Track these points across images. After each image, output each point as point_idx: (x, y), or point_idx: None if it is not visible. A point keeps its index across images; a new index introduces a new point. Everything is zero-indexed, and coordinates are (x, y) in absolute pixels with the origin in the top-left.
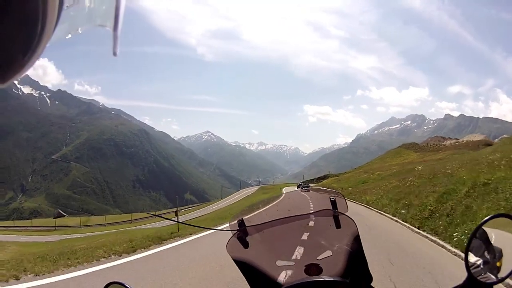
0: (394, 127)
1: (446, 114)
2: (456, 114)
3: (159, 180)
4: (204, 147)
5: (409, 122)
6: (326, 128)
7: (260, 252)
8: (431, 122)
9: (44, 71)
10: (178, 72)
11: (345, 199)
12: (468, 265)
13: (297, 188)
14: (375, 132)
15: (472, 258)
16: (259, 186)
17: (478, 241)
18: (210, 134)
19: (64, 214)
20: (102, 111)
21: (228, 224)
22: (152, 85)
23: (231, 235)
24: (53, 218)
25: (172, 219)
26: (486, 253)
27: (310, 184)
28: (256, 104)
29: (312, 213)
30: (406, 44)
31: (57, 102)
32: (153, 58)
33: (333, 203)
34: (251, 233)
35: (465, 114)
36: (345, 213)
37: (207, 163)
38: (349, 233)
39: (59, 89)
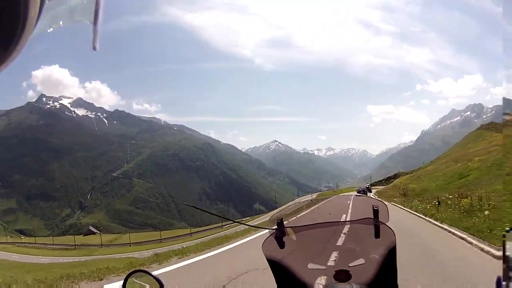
0: (455, 119)
1: (503, 99)
2: None
3: (227, 192)
4: (272, 156)
5: (468, 112)
6: (391, 127)
7: (294, 254)
8: (489, 110)
9: (99, 94)
10: (238, 85)
11: (387, 208)
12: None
13: (357, 193)
14: (438, 126)
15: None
16: (318, 193)
17: None
18: (277, 143)
19: (96, 231)
20: (164, 128)
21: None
22: (214, 99)
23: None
24: (83, 235)
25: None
26: None
27: (378, 187)
28: (320, 109)
29: (353, 220)
30: (453, 31)
31: (115, 122)
32: (211, 73)
33: (375, 212)
34: (288, 233)
35: None
36: (386, 223)
37: (276, 172)
38: (387, 244)
39: (116, 109)
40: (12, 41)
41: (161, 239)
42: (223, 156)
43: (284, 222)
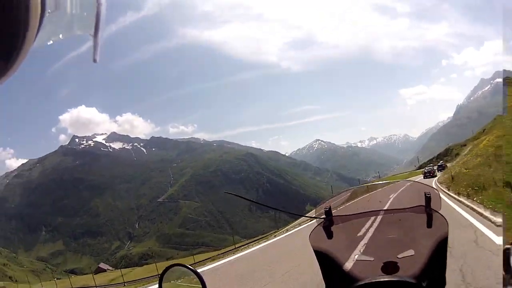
0: (486, 88)
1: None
2: None
3: (275, 198)
4: (316, 155)
5: (497, 79)
6: (427, 107)
7: (342, 244)
8: None
9: (132, 125)
10: (271, 91)
11: (439, 195)
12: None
13: (424, 177)
14: (471, 99)
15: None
16: (353, 188)
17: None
18: (320, 141)
19: (108, 268)
20: (203, 146)
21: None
22: (249, 110)
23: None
24: (93, 273)
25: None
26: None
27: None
28: (355, 101)
29: (405, 208)
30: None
31: (153, 149)
32: (241, 85)
33: (428, 199)
34: (337, 222)
35: None
36: (439, 211)
37: (322, 170)
38: (439, 234)
39: (152, 137)
40: (13, 53)
41: (158, 273)
42: (267, 163)
43: (333, 211)
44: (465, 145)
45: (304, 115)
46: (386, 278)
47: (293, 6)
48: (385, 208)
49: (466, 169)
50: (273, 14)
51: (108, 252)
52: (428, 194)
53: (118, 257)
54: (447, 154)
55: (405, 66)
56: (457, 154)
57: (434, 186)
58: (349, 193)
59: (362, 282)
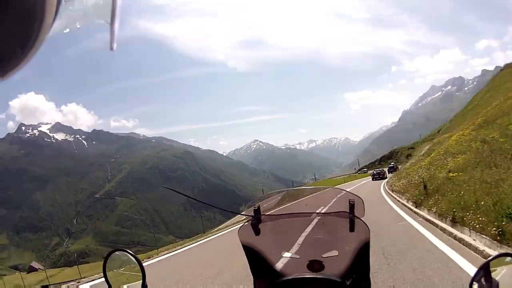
0: (436, 95)
1: (482, 70)
2: (491, 67)
3: (211, 198)
4: (254, 156)
5: (449, 87)
6: (371, 111)
7: (269, 241)
8: (470, 82)
9: (76, 116)
10: (215, 89)
11: (363, 204)
12: None
13: (372, 179)
14: (419, 104)
15: (475, 286)
16: (285, 190)
17: (483, 272)
18: (258, 142)
19: (40, 267)
20: (142, 142)
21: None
22: (191, 107)
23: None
24: (26, 273)
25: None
26: (486, 284)
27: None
28: (298, 103)
29: (329, 213)
30: (426, 10)
31: (94, 142)
32: (186, 82)
33: (352, 206)
34: (264, 221)
35: (500, 66)
36: (361, 218)
37: (259, 171)
38: (361, 238)
39: (94, 129)
40: (29, 41)
41: (80, 277)
42: (204, 162)
43: (262, 211)
44: (413, 148)
45: (245, 115)
46: (311, 275)
47: (247, 5)
48: (311, 211)
49: (450, 172)
50: (227, 11)
51: (48, 249)
52: (352, 201)
53: (57, 254)
54: (392, 156)
55: (353, 70)
56: (409, 155)
57: (384, 195)
58: (280, 196)
59: (289, 277)
